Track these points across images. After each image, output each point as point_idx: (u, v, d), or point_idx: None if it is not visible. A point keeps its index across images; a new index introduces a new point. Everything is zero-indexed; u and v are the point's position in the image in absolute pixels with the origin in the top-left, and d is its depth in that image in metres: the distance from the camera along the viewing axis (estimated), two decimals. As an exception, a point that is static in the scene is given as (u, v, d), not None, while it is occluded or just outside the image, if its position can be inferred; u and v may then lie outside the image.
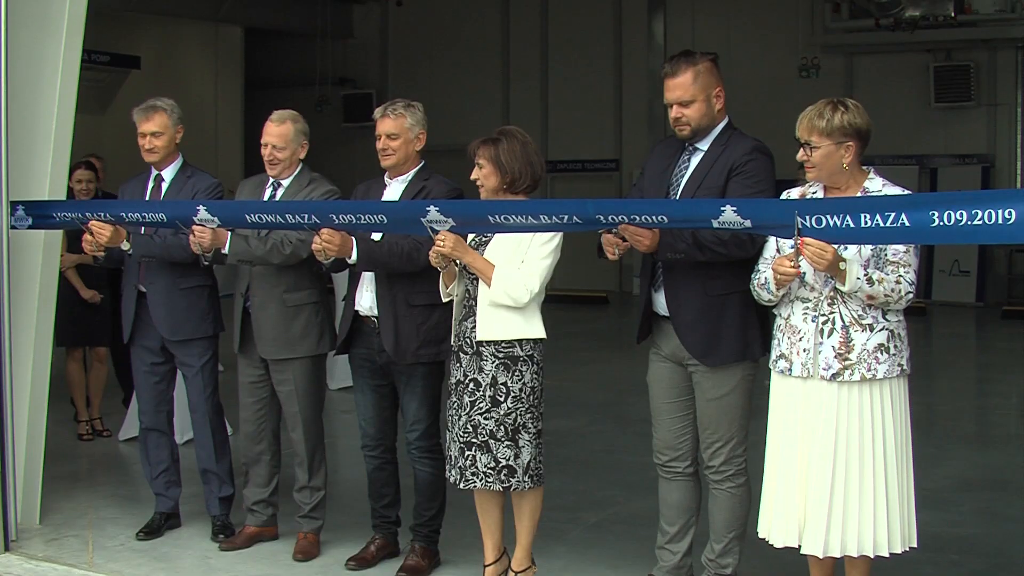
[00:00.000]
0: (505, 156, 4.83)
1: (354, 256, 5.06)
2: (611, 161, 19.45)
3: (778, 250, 4.30)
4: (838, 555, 4.18)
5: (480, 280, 4.79)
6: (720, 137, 4.62)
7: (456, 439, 4.86)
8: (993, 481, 7.03)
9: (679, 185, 4.63)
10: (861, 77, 18.03)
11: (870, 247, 4.08)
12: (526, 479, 4.81)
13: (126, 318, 5.89)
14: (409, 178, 5.30)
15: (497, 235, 4.80)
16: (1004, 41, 16.81)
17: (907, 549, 4.19)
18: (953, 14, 16.11)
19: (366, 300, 5.28)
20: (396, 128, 5.23)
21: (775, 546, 4.30)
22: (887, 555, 4.15)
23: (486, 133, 5.01)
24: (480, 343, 4.80)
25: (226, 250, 5.35)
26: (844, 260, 3.99)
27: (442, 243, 4.65)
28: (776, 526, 4.29)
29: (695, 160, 4.63)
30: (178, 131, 5.84)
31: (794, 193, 4.37)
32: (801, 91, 17.81)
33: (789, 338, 4.24)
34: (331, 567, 5.50)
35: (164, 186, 5.85)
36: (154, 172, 5.87)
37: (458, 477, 4.87)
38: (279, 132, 5.55)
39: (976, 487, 6.88)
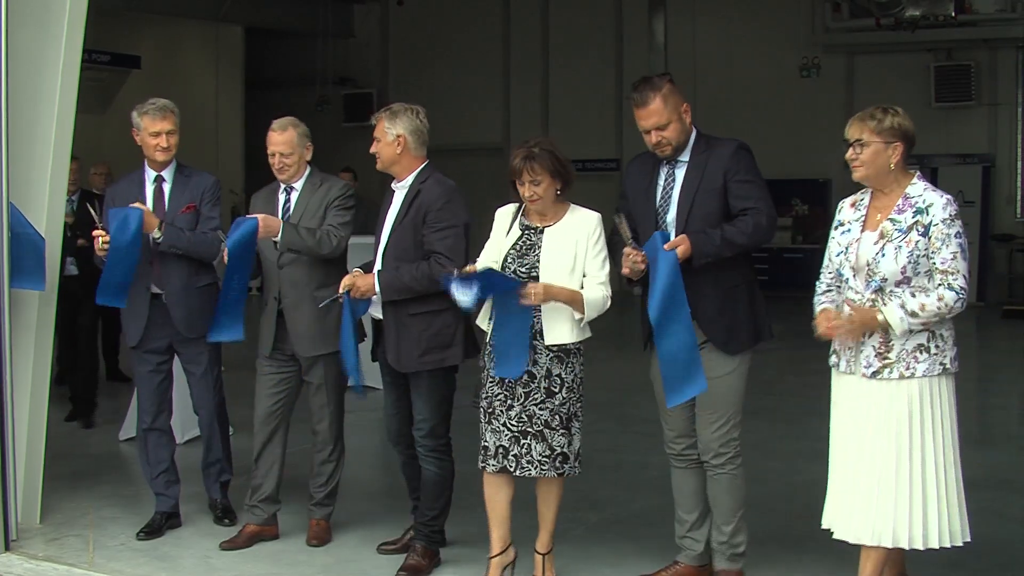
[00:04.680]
0: (559, 164, 4.89)
1: (377, 289, 5.20)
2: (611, 160, 19.43)
3: (830, 259, 4.51)
4: (889, 545, 4.30)
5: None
6: (697, 146, 4.89)
7: (507, 428, 4.94)
8: (994, 480, 7.02)
9: (671, 199, 4.88)
10: (862, 77, 18.02)
11: (906, 258, 4.22)
12: (576, 464, 5.00)
13: (136, 321, 5.88)
14: (408, 183, 5.36)
15: (547, 246, 4.92)
16: (1005, 41, 16.80)
17: (952, 545, 4.34)
18: (954, 14, 16.08)
19: (373, 308, 5.40)
20: (377, 132, 5.36)
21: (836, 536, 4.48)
22: (922, 548, 4.30)
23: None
24: (533, 339, 4.90)
25: (277, 238, 5.51)
26: (879, 312, 4.23)
27: (534, 295, 4.75)
28: (837, 517, 4.45)
29: (681, 172, 4.88)
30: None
31: (846, 203, 4.55)
32: (802, 91, 17.85)
33: (826, 338, 4.42)
34: (332, 567, 5.51)
35: (167, 187, 5.88)
36: (152, 174, 5.89)
37: (513, 464, 4.94)
38: (283, 139, 5.69)
39: (977, 486, 6.80)
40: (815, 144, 16.64)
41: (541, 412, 4.92)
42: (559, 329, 4.90)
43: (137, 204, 5.65)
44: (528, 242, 4.97)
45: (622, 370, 10.47)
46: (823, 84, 18.11)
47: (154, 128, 5.77)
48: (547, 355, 4.92)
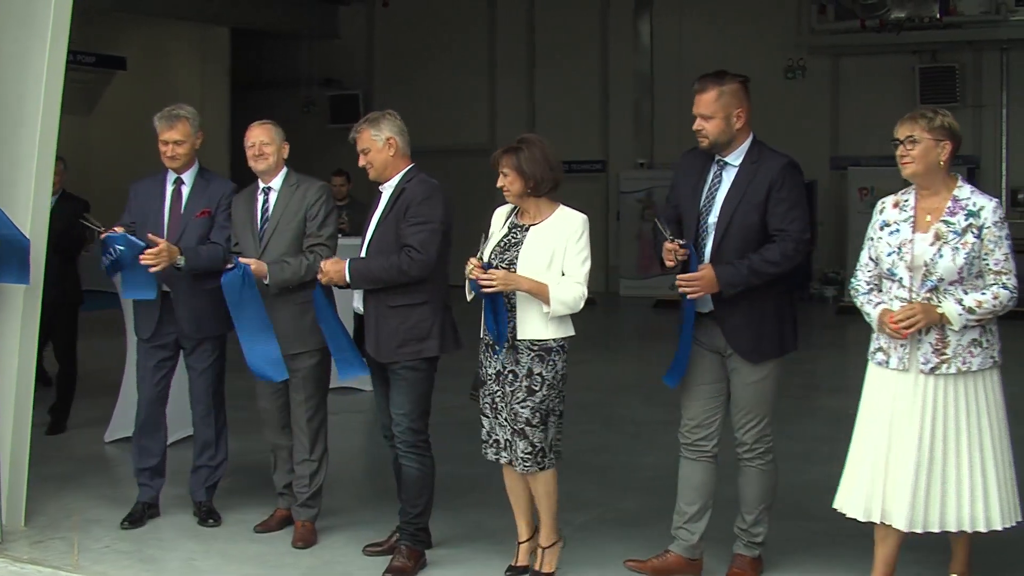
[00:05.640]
0: (526, 164, 5.06)
1: (347, 277, 5.30)
2: (598, 162, 19.45)
3: (872, 258, 4.72)
4: (937, 531, 4.58)
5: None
6: (750, 153, 5.03)
7: (506, 424, 5.11)
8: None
9: (715, 200, 5.04)
10: (847, 78, 18.07)
11: (963, 259, 4.47)
12: (552, 456, 5.13)
13: (148, 315, 6.02)
14: (394, 183, 5.46)
15: (528, 243, 5.08)
16: (989, 43, 16.85)
17: (1013, 524, 4.63)
18: (938, 15, 16.14)
19: (355, 300, 5.50)
20: (364, 143, 5.44)
21: (847, 516, 4.75)
22: (985, 530, 4.59)
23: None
24: (516, 338, 5.06)
25: (267, 281, 5.62)
26: (939, 305, 4.47)
27: (492, 282, 4.92)
28: (855, 501, 4.70)
29: (728, 176, 5.04)
30: (198, 137, 6.04)
31: (888, 203, 4.75)
32: (787, 92, 17.87)
33: (894, 338, 4.59)
34: (317, 568, 5.50)
35: (185, 190, 6.03)
36: (173, 175, 6.03)
37: (512, 458, 5.12)
38: (263, 130, 5.86)
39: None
40: (801, 145, 16.59)
41: (523, 410, 5.04)
42: (530, 323, 5.04)
43: (156, 241, 5.70)
44: (513, 239, 5.13)
45: (609, 371, 10.50)
46: (808, 86, 18.15)
47: (162, 136, 5.94)
48: (528, 354, 5.04)
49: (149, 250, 5.65)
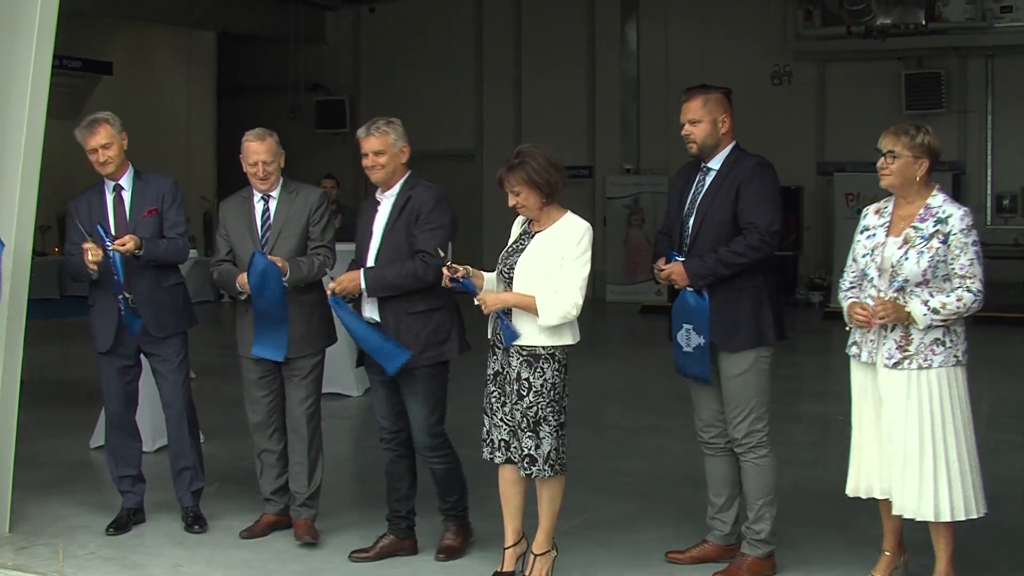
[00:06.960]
0: (536, 174, 5.05)
1: (363, 286, 5.37)
2: (584, 168, 19.46)
3: (853, 259, 4.97)
4: (932, 519, 4.78)
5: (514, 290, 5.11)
6: (729, 158, 5.29)
7: (504, 423, 5.17)
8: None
9: (696, 204, 5.29)
10: (833, 84, 18.13)
11: (927, 262, 4.71)
12: (546, 468, 5.10)
13: (106, 327, 5.95)
14: (396, 191, 5.51)
15: (530, 249, 5.11)
16: (974, 49, 16.93)
17: (972, 517, 4.78)
18: (924, 22, 16.23)
19: (367, 310, 5.49)
20: (382, 145, 5.45)
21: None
22: (948, 520, 4.75)
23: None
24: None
25: (286, 278, 5.63)
26: (906, 304, 4.72)
27: (482, 304, 5.06)
28: (851, 480, 5.05)
29: (709, 179, 5.30)
30: (123, 138, 5.96)
31: (871, 210, 5.04)
32: (773, 98, 17.93)
33: (860, 328, 4.90)
34: (303, 575, 5.49)
35: (126, 195, 5.98)
36: (110, 183, 5.97)
37: (513, 456, 5.16)
38: (265, 147, 5.84)
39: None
40: (787, 151, 16.71)
41: (515, 412, 5.10)
42: (522, 329, 5.06)
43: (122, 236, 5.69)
44: (520, 245, 5.18)
45: (594, 376, 10.49)
46: (795, 92, 18.21)
47: (88, 145, 5.88)
48: (518, 358, 5.08)
49: (117, 240, 5.70)
